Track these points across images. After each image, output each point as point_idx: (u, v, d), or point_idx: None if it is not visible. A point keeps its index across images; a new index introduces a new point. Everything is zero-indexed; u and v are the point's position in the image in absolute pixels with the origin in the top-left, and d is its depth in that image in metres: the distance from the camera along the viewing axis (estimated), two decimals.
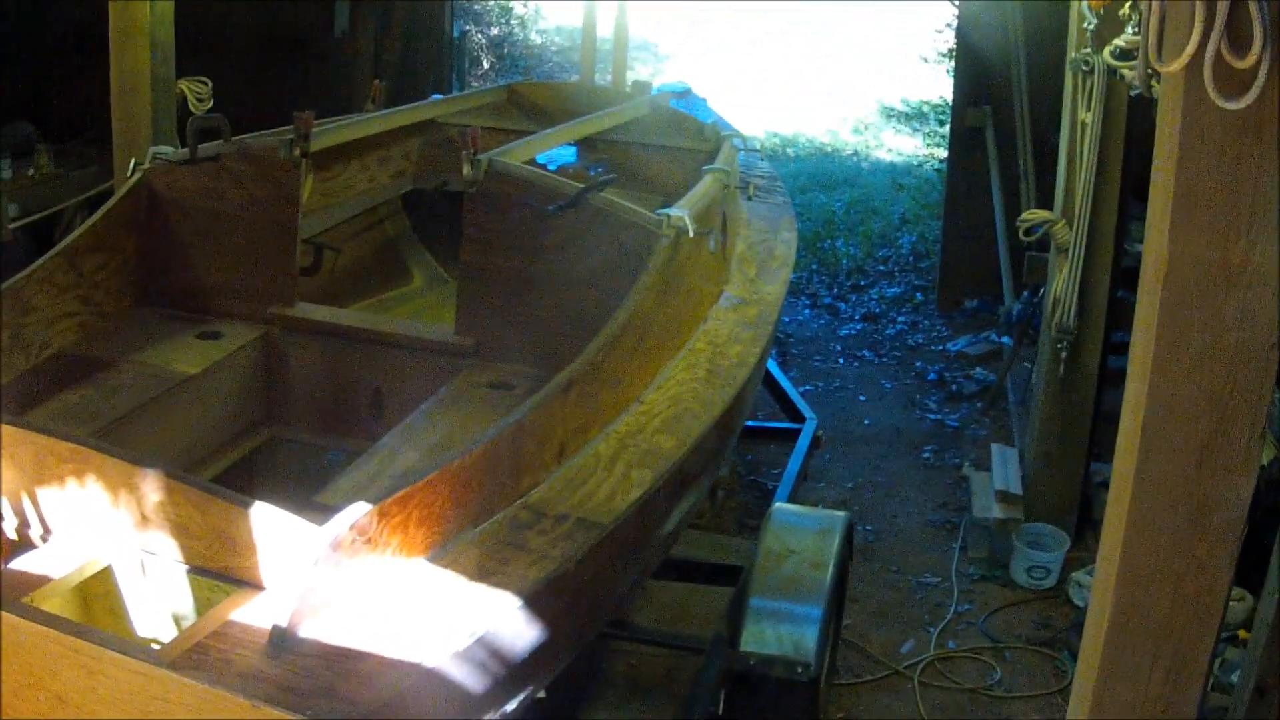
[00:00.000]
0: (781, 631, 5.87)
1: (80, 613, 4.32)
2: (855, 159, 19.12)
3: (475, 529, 4.43)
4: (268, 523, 3.97)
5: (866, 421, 10.63)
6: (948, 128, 16.82)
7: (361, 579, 3.96)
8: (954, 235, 12.84)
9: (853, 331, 12.64)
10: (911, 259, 14.56)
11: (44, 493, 4.27)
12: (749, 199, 8.05)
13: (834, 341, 12.38)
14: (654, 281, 5.66)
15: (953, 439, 10.24)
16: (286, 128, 6.45)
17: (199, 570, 4.13)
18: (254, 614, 3.89)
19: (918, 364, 11.78)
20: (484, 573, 4.22)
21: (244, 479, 6.17)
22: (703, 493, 6.33)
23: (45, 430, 4.28)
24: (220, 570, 4.08)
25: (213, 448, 6.03)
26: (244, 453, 6.19)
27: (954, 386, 11.15)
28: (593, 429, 5.17)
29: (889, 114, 20.94)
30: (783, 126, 20.31)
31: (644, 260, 5.75)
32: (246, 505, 3.99)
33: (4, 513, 4.33)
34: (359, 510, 3.90)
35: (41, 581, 4.09)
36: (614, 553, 4.85)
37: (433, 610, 4.02)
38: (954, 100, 13.22)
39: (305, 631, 3.76)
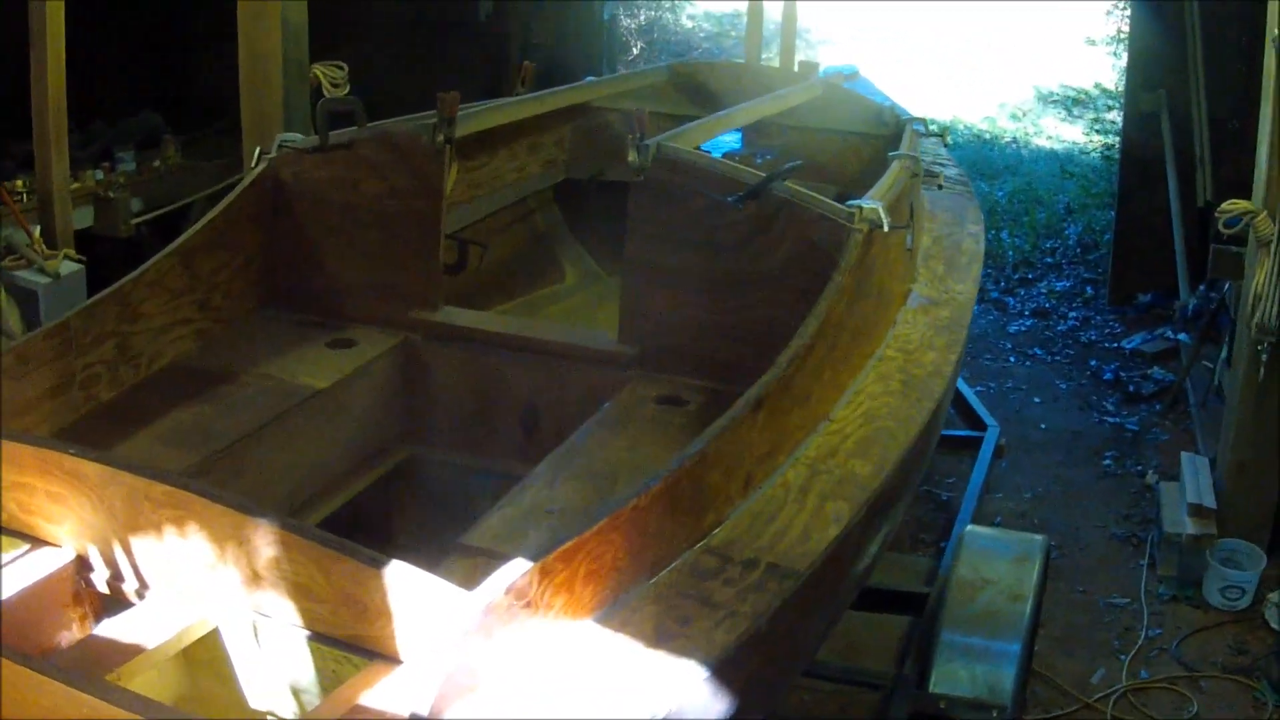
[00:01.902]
0: (976, 671, 5.39)
1: (185, 681, 3.79)
2: (1014, 146, 18.47)
3: (651, 579, 3.86)
4: (405, 585, 3.40)
5: (1043, 426, 10.08)
6: (1111, 113, 16.33)
7: (518, 649, 3.40)
8: (1127, 226, 12.25)
9: (1022, 328, 12.07)
10: (1079, 251, 13.93)
11: (138, 542, 3.74)
12: (939, 189, 7.46)
13: (1004, 339, 11.81)
14: (848, 282, 5.05)
15: (1133, 444, 9.68)
16: (429, 112, 5.93)
17: (322, 638, 3.56)
18: (390, 694, 3.34)
19: (1092, 362, 11.20)
20: (663, 636, 3.64)
21: (379, 506, 5.69)
22: (898, 521, 5.73)
23: (135, 468, 3.75)
24: (348, 639, 3.51)
25: (343, 470, 5.53)
26: (378, 476, 5.69)
27: (1131, 387, 10.57)
28: (781, 453, 4.57)
29: (1047, 100, 20.30)
30: (939, 112, 19.73)
31: (835, 258, 5.13)
32: (379, 565, 3.41)
33: (92, 564, 3.84)
34: (517, 570, 3.35)
35: (135, 651, 3.53)
36: (810, 601, 4.25)
37: (604, 686, 3.45)
38: (1127, 85, 12.62)
39: (452, 716, 3.20)
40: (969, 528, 6.23)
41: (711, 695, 3.59)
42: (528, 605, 3.40)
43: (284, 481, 5.23)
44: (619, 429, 5.08)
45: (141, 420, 5.05)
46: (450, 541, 5.04)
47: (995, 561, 5.81)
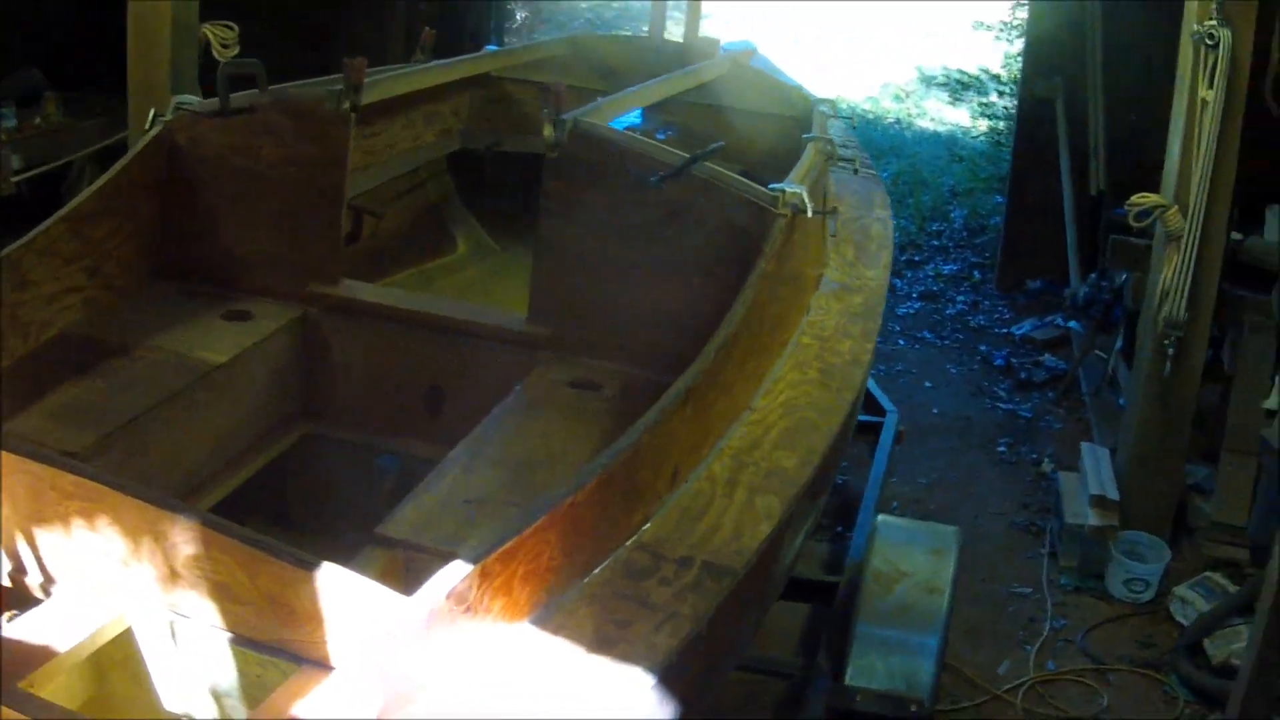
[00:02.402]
0: (893, 665, 5.24)
1: (95, 683, 3.48)
2: (898, 127, 18.40)
3: (584, 579, 3.68)
4: (337, 588, 3.18)
5: (935, 410, 9.97)
6: (997, 98, 16.31)
7: (457, 655, 3.20)
8: (1017, 212, 12.19)
9: (911, 310, 11.95)
10: (965, 234, 13.85)
11: (44, 534, 3.49)
12: (855, 173, 7.30)
13: (892, 321, 11.63)
14: (771, 268, 4.89)
15: (1027, 432, 9.59)
16: (330, 77, 5.70)
17: (245, 641, 3.33)
18: (326, 702, 3.10)
19: (982, 348, 11.11)
20: (603, 641, 3.45)
21: (275, 486, 5.45)
22: (820, 512, 5.58)
23: (44, 457, 3.49)
24: (273, 643, 3.28)
25: (239, 449, 5.27)
26: (276, 454, 5.44)
27: (1023, 374, 10.50)
28: (705, 446, 4.40)
29: (931, 82, 20.25)
30: (822, 90, 19.62)
31: (757, 243, 4.97)
32: (309, 566, 3.19)
33: None
34: (457, 573, 3.15)
35: (45, 656, 3.28)
36: (746, 598, 4.11)
37: (546, 693, 3.26)
38: (1023, 70, 12.56)
39: None
40: (881, 518, 6.08)
41: (657, 701, 3.42)
42: (467, 609, 3.21)
43: (181, 461, 4.98)
44: (533, 414, 4.87)
45: (31, 395, 4.79)
46: (349, 522, 4.84)
47: (910, 553, 5.68)
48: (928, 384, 10.48)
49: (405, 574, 3.91)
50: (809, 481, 4.50)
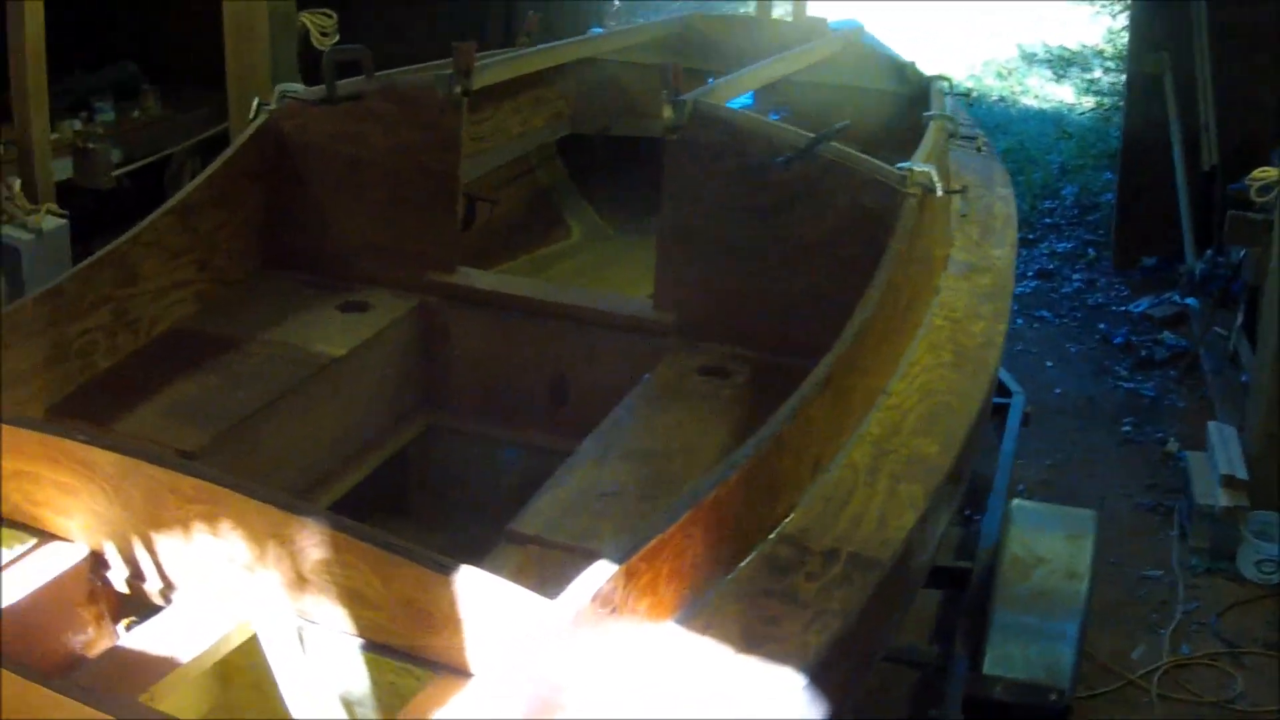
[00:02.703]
0: (1032, 653, 5.18)
1: (217, 694, 3.35)
2: (1002, 105, 18.16)
3: (729, 574, 3.52)
4: (476, 592, 3.02)
5: (1057, 390, 9.75)
6: (1100, 73, 16.05)
7: (602, 659, 3.06)
8: (1129, 189, 11.90)
9: (1027, 289, 11.69)
10: (1077, 212, 13.59)
11: (162, 538, 3.36)
12: (977, 151, 7.12)
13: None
14: (904, 249, 4.72)
15: (1150, 411, 9.36)
16: (438, 62, 5.61)
17: (378, 647, 3.17)
18: (466, 710, 2.93)
19: (1101, 326, 10.86)
20: (752, 639, 3.29)
21: (395, 480, 5.44)
22: (959, 500, 5.42)
23: (157, 459, 3.36)
24: (408, 649, 3.12)
25: (360, 444, 5.23)
26: (397, 448, 5.39)
27: (1144, 352, 10.25)
28: (845, 432, 4.25)
29: (1032, 59, 19.97)
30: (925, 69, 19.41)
31: (886, 223, 4.80)
32: (446, 570, 3.04)
33: (109, 561, 3.46)
34: (602, 574, 3.00)
35: (166, 666, 3.13)
36: (893, 590, 3.94)
37: (696, 696, 3.10)
38: (1129, 46, 12.28)
39: None
40: (1016, 502, 5.94)
41: (808, 701, 3.26)
42: (612, 610, 3.07)
43: (298, 457, 4.90)
44: (664, 403, 4.75)
45: (143, 391, 4.71)
46: (472, 517, 4.72)
47: (1047, 538, 5.55)
48: (1049, 363, 10.27)
49: (539, 571, 3.79)
50: (951, 468, 4.35)
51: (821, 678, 3.29)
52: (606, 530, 3.88)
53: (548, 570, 3.75)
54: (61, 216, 7.37)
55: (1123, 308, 11.23)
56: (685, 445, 4.42)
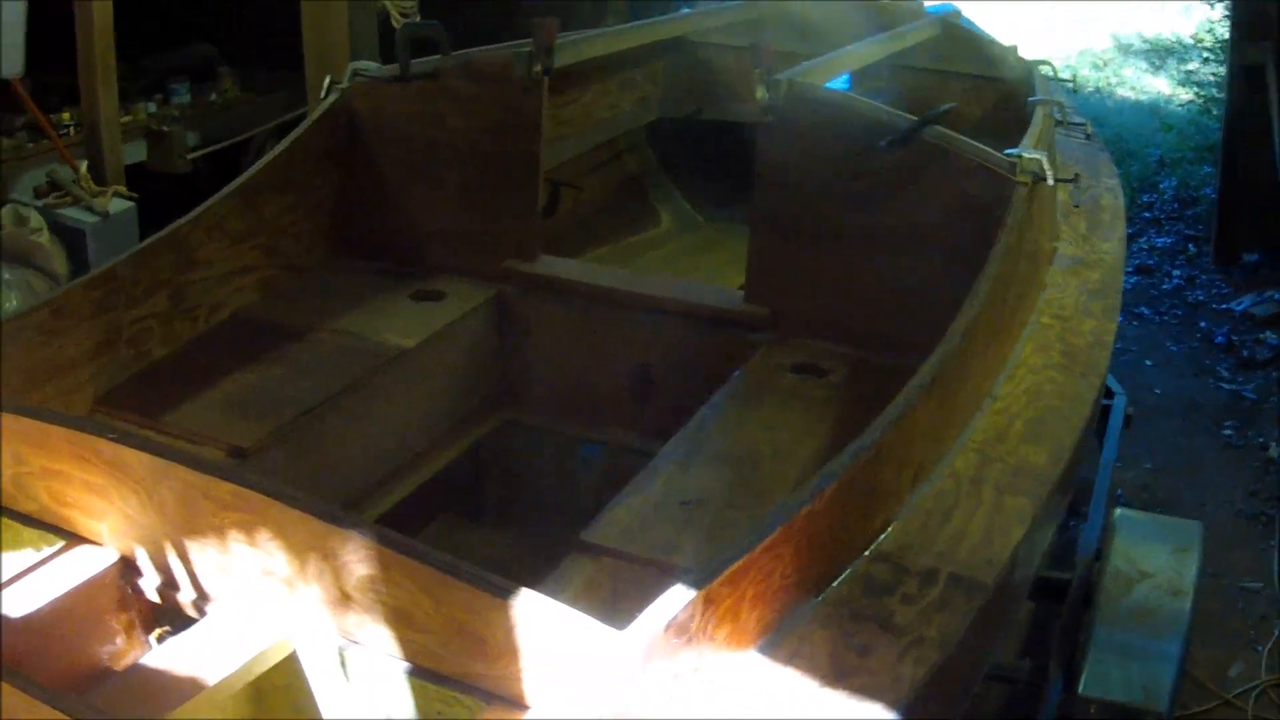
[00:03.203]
0: (1131, 674, 4.72)
1: (251, 714, 3.04)
2: (1098, 96, 17.82)
3: (818, 596, 3.20)
4: (536, 618, 2.72)
5: (1157, 390, 9.43)
6: (1196, 65, 15.71)
7: (675, 692, 2.74)
8: (1231, 183, 11.55)
9: (1126, 285, 11.37)
10: (1177, 206, 13.28)
11: (197, 546, 3.10)
12: (1086, 138, 6.79)
13: None
14: (1013, 243, 4.41)
15: (1253, 414, 9.03)
16: (519, 41, 5.33)
17: (427, 673, 2.87)
18: None
19: (1202, 324, 10.54)
20: (841, 671, 2.96)
21: (466, 476, 5.20)
22: (1063, 513, 5.09)
23: (192, 462, 3.09)
24: (460, 677, 2.83)
25: (430, 440, 4.96)
26: (469, 444, 5.13)
27: (1245, 352, 9.91)
28: (948, 437, 3.94)
29: (1128, 50, 19.60)
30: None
31: (995, 213, 4.48)
32: (505, 593, 2.72)
33: (140, 567, 3.21)
34: (678, 601, 2.69)
35: (198, 685, 2.86)
36: (995, 612, 3.63)
37: None
38: (1231, 38, 11.95)
39: None
40: (1120, 511, 5.60)
41: None
42: (688, 640, 2.76)
43: (362, 454, 4.64)
44: (753, 402, 4.46)
45: (200, 382, 4.47)
46: (547, 516, 4.82)
47: (1151, 551, 5.22)
48: (1148, 362, 9.97)
49: (611, 585, 3.52)
50: (1060, 479, 4.04)
51: (916, 713, 2.98)
52: (687, 543, 3.60)
53: (620, 585, 3.50)
54: (129, 199, 7.23)
55: (1224, 305, 10.90)
56: (776, 449, 4.14)
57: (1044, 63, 7.00)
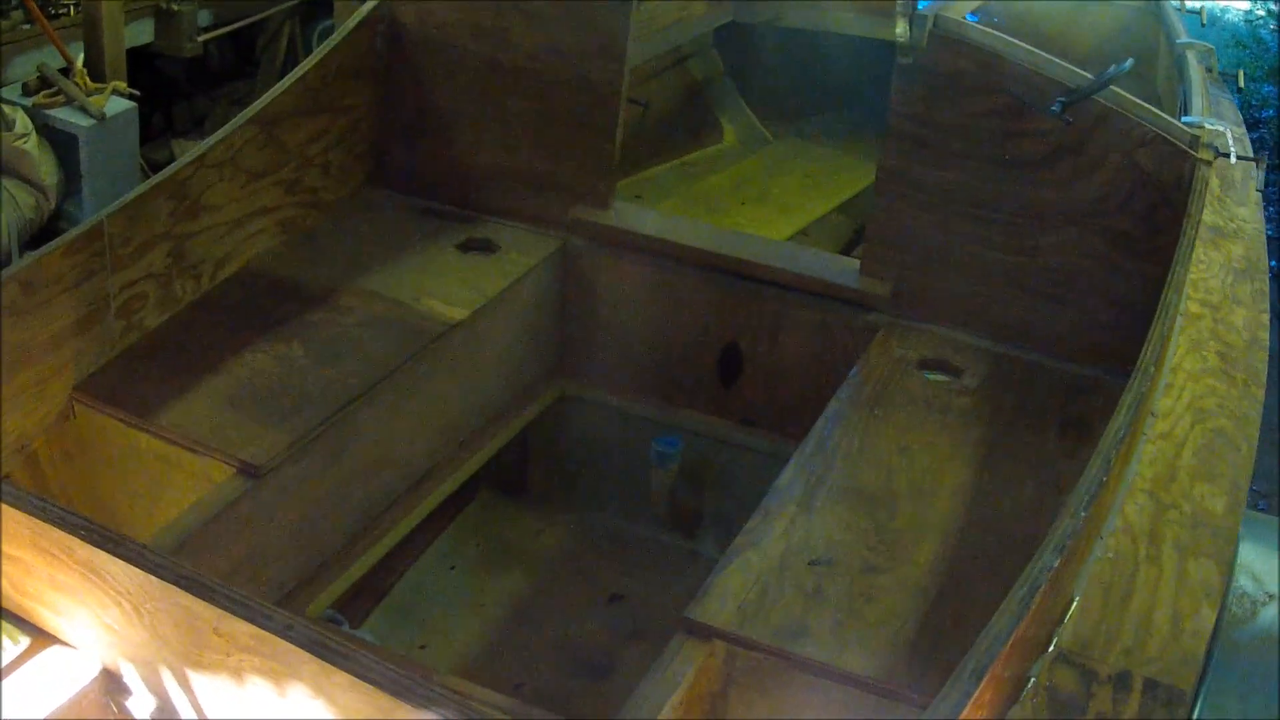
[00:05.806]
0: (1251, 707, 4.41)
1: None
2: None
3: (1004, 713, 2.58)
4: None
5: None
6: None
7: None
8: None
9: None
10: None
11: (206, 681, 2.31)
12: (1239, 91, 6.07)
13: None
14: (1195, 235, 3.89)
15: None
16: None
17: None
18: None
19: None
20: None
21: (517, 452, 4.70)
22: None
23: (200, 587, 2.24)
24: None
25: (480, 422, 4.42)
26: (526, 421, 4.62)
27: None
28: (1120, 476, 3.24)
29: None
30: None
31: (1165, 191, 4.03)
32: None
33: (128, 685, 2.40)
34: None
35: None
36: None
37: None
38: None
39: None
40: (1246, 519, 5.06)
41: None
42: None
43: (403, 449, 4.09)
44: (880, 411, 3.93)
45: (203, 363, 3.81)
46: (607, 504, 4.55)
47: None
48: None
49: (726, 673, 3.02)
50: (1238, 529, 3.35)
51: None
52: (818, 624, 3.08)
53: (737, 674, 3.02)
54: (129, 98, 6.74)
55: None
56: (914, 484, 3.60)
57: None
